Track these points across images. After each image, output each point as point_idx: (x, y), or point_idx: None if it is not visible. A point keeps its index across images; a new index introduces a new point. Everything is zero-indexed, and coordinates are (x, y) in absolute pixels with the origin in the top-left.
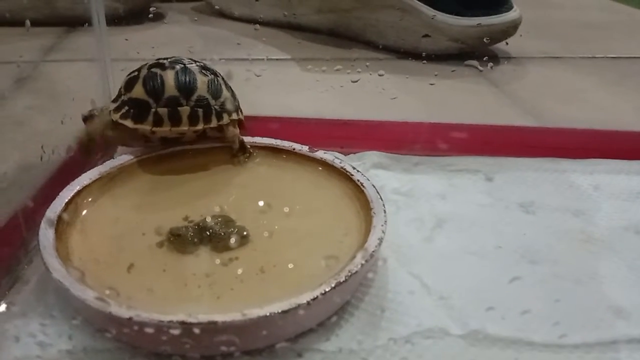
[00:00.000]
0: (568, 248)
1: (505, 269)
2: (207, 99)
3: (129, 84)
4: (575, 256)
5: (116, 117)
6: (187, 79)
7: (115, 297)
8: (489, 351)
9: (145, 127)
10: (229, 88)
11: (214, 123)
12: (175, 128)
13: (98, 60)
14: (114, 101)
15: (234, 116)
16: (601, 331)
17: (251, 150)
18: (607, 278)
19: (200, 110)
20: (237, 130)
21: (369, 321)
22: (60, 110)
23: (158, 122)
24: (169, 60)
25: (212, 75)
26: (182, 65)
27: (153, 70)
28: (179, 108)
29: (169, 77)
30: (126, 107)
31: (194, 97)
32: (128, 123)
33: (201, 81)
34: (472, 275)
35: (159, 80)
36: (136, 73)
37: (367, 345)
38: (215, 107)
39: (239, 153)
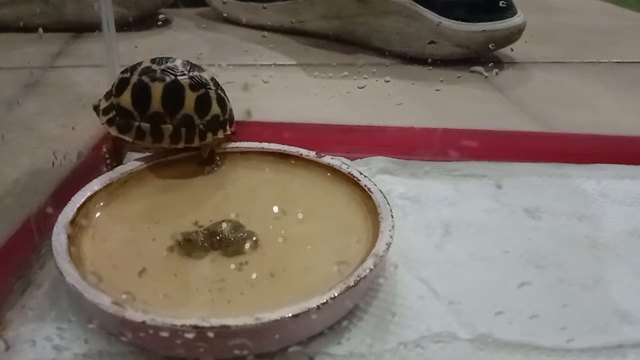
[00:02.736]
0: (574, 253)
1: (513, 274)
2: (192, 117)
3: (120, 86)
4: (581, 261)
5: (103, 120)
6: (174, 96)
7: (131, 301)
8: (497, 355)
9: (127, 139)
10: (220, 101)
11: (196, 143)
12: (156, 144)
13: (107, 66)
14: (106, 98)
15: (219, 134)
16: (608, 336)
17: (218, 161)
18: (613, 283)
19: (183, 130)
20: (214, 144)
21: (378, 325)
22: (69, 116)
23: (140, 136)
24: (161, 66)
25: (203, 89)
26: (173, 78)
27: (143, 79)
28: (161, 126)
29: (157, 90)
30: (113, 113)
31: (179, 116)
32: (112, 131)
33: (189, 98)
34: (480, 280)
35: (147, 93)
36: (128, 75)
37: (377, 349)
38: (200, 126)
39: (206, 163)
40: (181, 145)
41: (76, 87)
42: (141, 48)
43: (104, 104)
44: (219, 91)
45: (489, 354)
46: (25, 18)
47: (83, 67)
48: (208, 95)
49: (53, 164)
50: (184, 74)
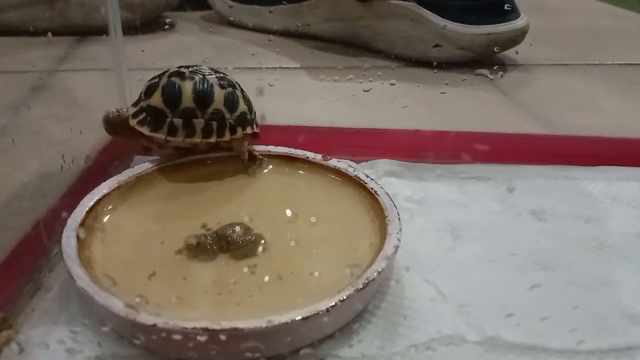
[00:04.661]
0: (580, 255)
1: (520, 276)
2: (222, 112)
3: (149, 90)
4: (588, 263)
5: (133, 122)
6: (205, 91)
7: (144, 305)
8: (506, 357)
9: (160, 136)
10: (246, 101)
11: (227, 137)
12: (188, 139)
13: (115, 69)
14: (134, 105)
15: (248, 130)
16: (616, 337)
17: (261, 158)
18: (620, 285)
19: (214, 124)
20: (246, 144)
21: (388, 328)
22: (76, 120)
23: (172, 131)
24: (189, 69)
25: (230, 88)
26: (202, 77)
27: (172, 79)
28: (193, 120)
29: (187, 88)
30: (144, 114)
31: (210, 110)
32: (144, 130)
33: (218, 94)
34: (488, 282)
35: (177, 91)
36: (157, 80)
37: (387, 352)
38: (230, 120)
39: (250, 164)
40: (213, 139)
41: (83, 90)
42: (148, 52)
43: (132, 110)
44: (243, 92)
45: (497, 356)
46: (30, 22)
47: (89, 70)
48: (235, 93)
49: (62, 167)
50: (211, 75)
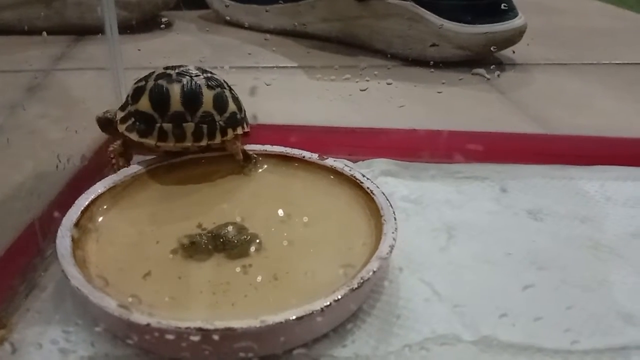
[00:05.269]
0: (576, 255)
1: (516, 276)
2: (212, 114)
3: (136, 94)
4: (584, 263)
5: (122, 128)
6: (193, 94)
7: (137, 304)
8: (501, 357)
9: (150, 142)
10: (235, 100)
11: (218, 139)
12: (179, 144)
13: (110, 69)
14: (122, 109)
15: (239, 131)
16: (611, 337)
17: (255, 156)
18: (616, 285)
19: (204, 127)
20: (239, 143)
21: (383, 328)
22: (72, 119)
23: (162, 137)
24: (176, 71)
25: (219, 89)
26: (189, 79)
27: (160, 82)
28: (183, 124)
29: (175, 91)
30: (132, 119)
31: (199, 113)
32: (133, 136)
33: (207, 96)
34: (483, 282)
35: (165, 94)
36: (143, 83)
37: (382, 352)
38: (220, 122)
39: (245, 163)
40: (204, 142)
41: (79, 90)
42: (144, 51)
43: (120, 115)
44: (232, 92)
45: (492, 356)
46: (27, 21)
47: (85, 70)
48: (224, 93)
49: (57, 167)
50: (199, 75)
